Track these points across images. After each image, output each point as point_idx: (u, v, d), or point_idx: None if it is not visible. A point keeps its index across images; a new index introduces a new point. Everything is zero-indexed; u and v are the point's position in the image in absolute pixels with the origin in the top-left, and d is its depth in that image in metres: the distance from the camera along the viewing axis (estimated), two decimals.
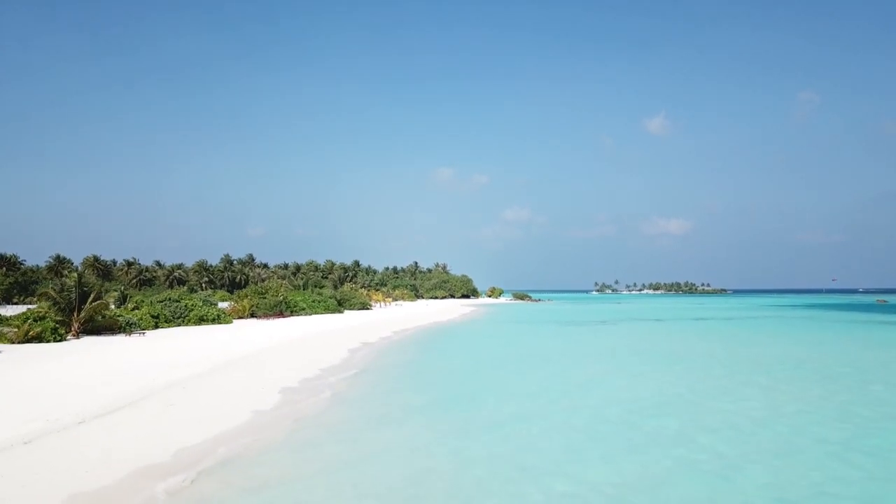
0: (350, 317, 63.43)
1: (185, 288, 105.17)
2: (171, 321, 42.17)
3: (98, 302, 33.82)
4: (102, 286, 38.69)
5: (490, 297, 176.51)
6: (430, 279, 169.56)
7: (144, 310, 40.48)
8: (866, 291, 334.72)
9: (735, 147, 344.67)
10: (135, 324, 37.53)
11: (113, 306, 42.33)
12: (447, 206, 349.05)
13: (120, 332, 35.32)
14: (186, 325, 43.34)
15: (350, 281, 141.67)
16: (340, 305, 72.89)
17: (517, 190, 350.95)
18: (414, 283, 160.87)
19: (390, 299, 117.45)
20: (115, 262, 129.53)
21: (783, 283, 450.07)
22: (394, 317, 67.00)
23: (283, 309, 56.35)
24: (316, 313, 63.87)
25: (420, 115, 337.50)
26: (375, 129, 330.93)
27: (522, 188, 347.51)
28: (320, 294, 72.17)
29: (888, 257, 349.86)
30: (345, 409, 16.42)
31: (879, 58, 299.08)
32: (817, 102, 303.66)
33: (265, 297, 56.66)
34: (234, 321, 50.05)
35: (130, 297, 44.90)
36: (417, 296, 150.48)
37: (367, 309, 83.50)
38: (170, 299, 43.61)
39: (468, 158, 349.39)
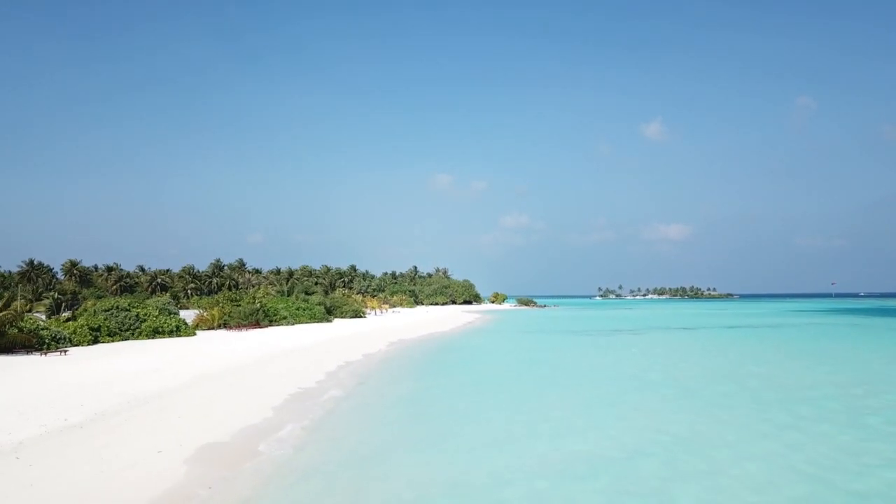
0: (339, 326, 56.22)
1: (168, 294, 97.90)
2: (116, 334, 34.99)
3: (5, 312, 26.71)
4: (32, 293, 31.49)
5: (493, 302, 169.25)
6: (430, 284, 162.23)
7: (81, 321, 33.35)
8: (867, 295, 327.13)
9: (733, 152, 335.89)
10: (65, 338, 30.45)
11: (43, 316, 35.20)
12: (446, 212, 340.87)
13: (38, 350, 28.20)
14: (137, 338, 36.20)
15: (346, 286, 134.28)
16: (329, 313, 65.58)
17: (515, 196, 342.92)
18: (413, 288, 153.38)
19: (387, 306, 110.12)
20: (96, 268, 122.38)
21: (782, 288, 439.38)
22: (388, 326, 59.81)
23: (259, 318, 49.04)
24: (300, 322, 56.60)
25: (418, 121, 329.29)
26: (373, 135, 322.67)
27: (521, 194, 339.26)
28: (306, 301, 64.87)
29: (888, 261, 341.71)
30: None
31: (877, 61, 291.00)
32: (815, 107, 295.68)
33: (239, 305, 49.35)
34: (200, 333, 42.96)
35: (65, 304, 37.61)
36: (417, 302, 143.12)
37: (361, 317, 76.33)
38: (117, 308, 36.34)
39: (466, 165, 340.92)
